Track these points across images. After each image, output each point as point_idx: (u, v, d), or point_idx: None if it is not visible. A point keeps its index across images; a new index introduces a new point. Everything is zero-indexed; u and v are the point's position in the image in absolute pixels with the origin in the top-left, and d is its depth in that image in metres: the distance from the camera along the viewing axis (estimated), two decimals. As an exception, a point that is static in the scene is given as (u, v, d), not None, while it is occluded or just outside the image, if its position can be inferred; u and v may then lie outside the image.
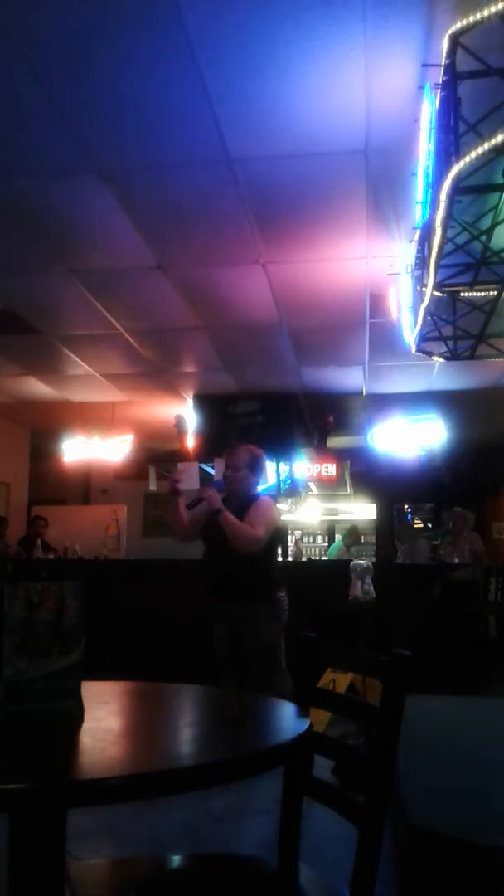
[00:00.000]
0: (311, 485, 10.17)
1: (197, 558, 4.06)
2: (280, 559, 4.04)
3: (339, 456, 9.44)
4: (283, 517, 9.15)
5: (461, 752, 2.84)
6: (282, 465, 8.49)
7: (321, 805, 1.57)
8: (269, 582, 3.77)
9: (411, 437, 8.14)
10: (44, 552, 7.87)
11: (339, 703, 1.98)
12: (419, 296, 4.41)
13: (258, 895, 1.53)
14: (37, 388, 8.11)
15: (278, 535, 3.91)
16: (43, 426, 9.64)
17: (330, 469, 9.24)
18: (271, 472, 7.83)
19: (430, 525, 11.48)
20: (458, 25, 2.76)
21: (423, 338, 4.93)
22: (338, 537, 11.03)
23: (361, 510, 12.46)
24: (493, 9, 2.63)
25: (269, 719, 1.60)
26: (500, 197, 3.53)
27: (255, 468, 3.87)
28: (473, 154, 2.86)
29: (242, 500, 3.81)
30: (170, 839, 3.02)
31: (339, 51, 3.02)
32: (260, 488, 3.96)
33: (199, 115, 3.41)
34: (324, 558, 11.61)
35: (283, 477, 8.58)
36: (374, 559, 8.03)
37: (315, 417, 8.53)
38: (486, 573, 6.73)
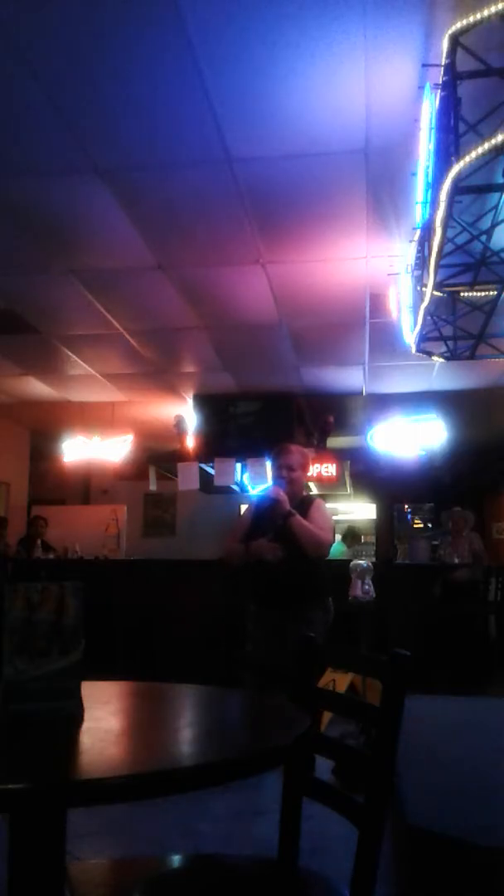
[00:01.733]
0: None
1: (197, 558, 4.05)
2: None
3: (339, 456, 9.43)
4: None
5: (461, 752, 2.84)
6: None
7: (321, 805, 1.57)
8: (325, 587, 3.72)
9: (411, 437, 8.13)
10: (44, 552, 7.87)
11: (339, 703, 1.99)
12: (419, 296, 4.41)
13: (258, 895, 1.53)
14: (37, 388, 8.10)
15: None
16: (43, 426, 9.64)
17: (330, 469, 9.24)
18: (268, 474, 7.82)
19: (429, 525, 11.48)
20: (458, 25, 2.76)
21: (423, 338, 4.93)
22: (337, 537, 11.02)
23: (361, 510, 12.47)
24: (493, 9, 2.63)
25: (269, 719, 1.60)
26: (500, 197, 3.53)
27: (307, 468, 3.85)
28: (473, 154, 2.86)
29: (296, 502, 3.74)
30: (170, 839, 3.02)
31: (339, 51, 3.02)
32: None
33: (199, 115, 3.41)
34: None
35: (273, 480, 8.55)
36: (374, 559, 8.03)
37: (315, 417, 8.53)
38: (486, 573, 6.73)
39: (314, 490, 10.82)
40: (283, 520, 3.60)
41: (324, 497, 11.61)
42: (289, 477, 3.77)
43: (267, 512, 3.73)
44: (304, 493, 3.83)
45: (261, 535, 3.71)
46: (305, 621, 3.60)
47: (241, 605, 3.93)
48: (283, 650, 3.61)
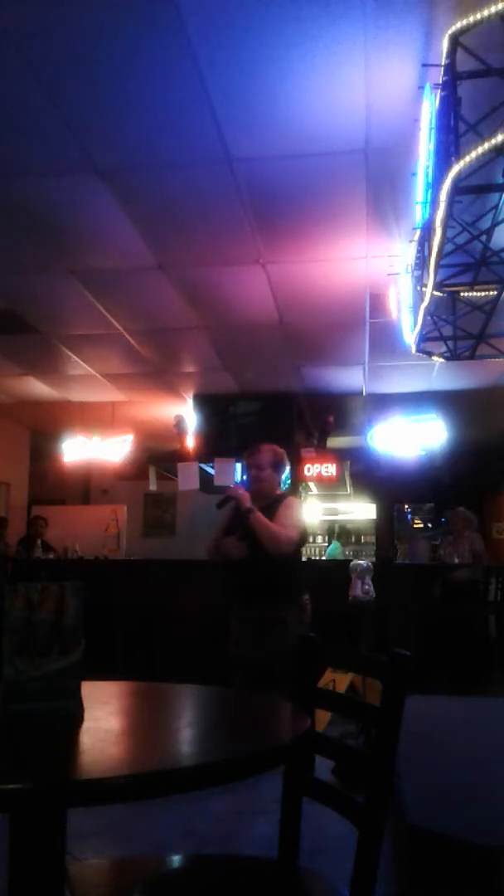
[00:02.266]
0: (311, 485, 10.17)
1: (197, 558, 4.05)
2: (301, 563, 3.97)
3: (339, 456, 9.42)
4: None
5: (461, 752, 2.84)
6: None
7: (321, 805, 1.57)
8: (296, 585, 3.72)
9: (411, 437, 8.13)
10: (44, 552, 7.87)
11: (339, 703, 1.99)
12: (419, 296, 4.41)
13: (258, 895, 1.53)
14: (37, 388, 8.10)
15: (304, 538, 3.85)
16: (43, 426, 9.64)
17: (330, 469, 9.23)
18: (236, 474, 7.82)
19: (429, 525, 11.49)
20: (458, 25, 2.76)
21: (423, 338, 4.93)
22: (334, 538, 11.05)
23: (361, 510, 12.47)
24: (493, 9, 2.63)
25: (269, 719, 1.60)
26: (500, 197, 3.53)
27: (279, 467, 3.83)
28: (473, 154, 2.86)
29: (267, 501, 3.75)
30: (170, 839, 3.02)
31: (339, 51, 3.02)
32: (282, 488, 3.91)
33: (199, 115, 3.41)
34: (323, 558, 11.61)
35: (244, 478, 8.56)
36: (374, 559, 8.03)
37: (315, 417, 8.53)
38: (486, 573, 6.73)
39: (314, 490, 10.82)
40: (244, 517, 3.62)
41: (324, 497, 11.65)
42: (256, 476, 3.80)
43: (235, 510, 3.77)
44: (279, 492, 3.80)
45: (233, 533, 3.74)
46: (278, 620, 3.62)
47: (226, 605, 3.95)
48: (261, 649, 3.63)
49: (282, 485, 3.86)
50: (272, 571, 3.64)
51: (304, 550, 3.96)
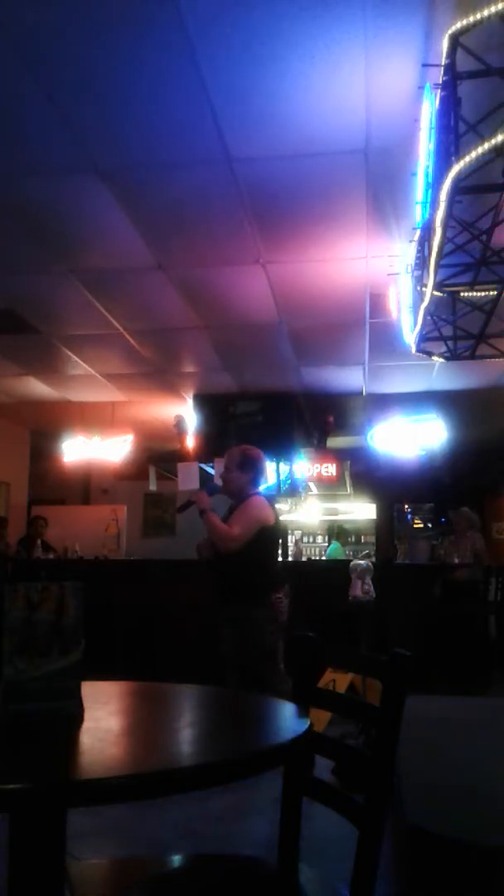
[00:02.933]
0: (311, 485, 10.16)
1: (195, 559, 4.07)
2: (279, 560, 4.00)
3: (339, 456, 9.43)
4: (283, 517, 9.13)
5: (461, 752, 2.84)
6: (282, 465, 8.49)
7: (321, 805, 1.57)
8: (264, 584, 3.74)
9: (411, 437, 8.13)
10: (44, 552, 7.87)
11: (339, 703, 1.98)
12: (419, 296, 4.41)
13: (258, 895, 1.53)
14: (37, 388, 8.10)
15: (271, 536, 3.84)
16: (43, 426, 9.64)
17: (330, 469, 9.24)
18: (271, 472, 7.83)
19: (429, 525, 11.48)
20: (458, 25, 2.76)
21: (423, 338, 4.93)
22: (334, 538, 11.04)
23: (361, 510, 12.46)
24: (493, 9, 2.63)
25: (269, 719, 1.60)
26: (500, 197, 3.53)
27: (247, 468, 3.85)
28: (473, 154, 2.86)
29: (236, 501, 3.84)
30: (170, 839, 3.02)
31: (339, 51, 3.02)
32: (259, 488, 3.94)
33: (199, 115, 3.41)
34: (323, 558, 11.61)
35: (283, 477, 8.58)
36: (374, 559, 8.03)
37: (315, 417, 8.53)
38: (486, 573, 6.73)
39: (314, 490, 10.82)
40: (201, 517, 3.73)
41: (324, 497, 11.63)
42: (224, 477, 3.92)
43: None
44: (249, 492, 3.84)
45: None
46: (251, 619, 3.67)
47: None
48: (242, 649, 3.70)
49: (253, 484, 3.86)
50: (235, 570, 3.70)
51: (273, 550, 3.97)
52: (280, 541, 3.99)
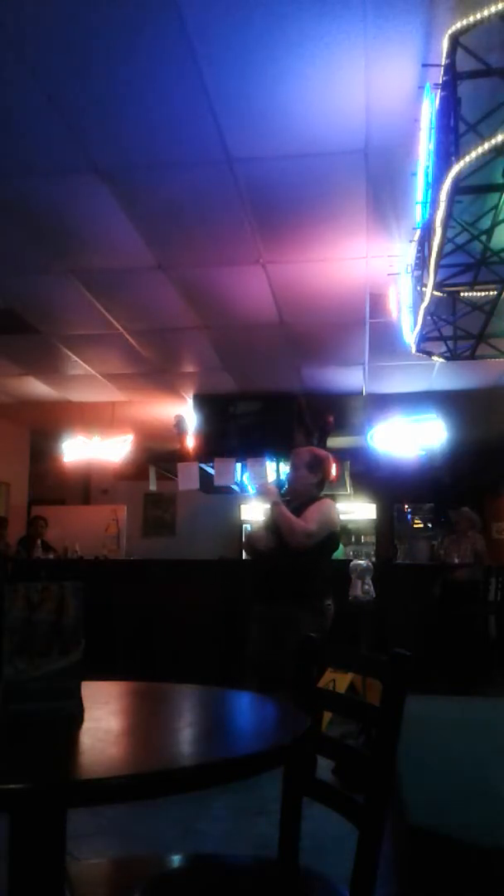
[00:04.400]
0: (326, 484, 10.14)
1: (196, 558, 4.07)
2: (330, 567, 3.96)
3: (339, 456, 9.42)
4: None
5: (461, 752, 2.84)
6: (282, 464, 8.49)
7: (321, 805, 1.57)
8: (317, 587, 3.70)
9: (411, 437, 8.13)
10: (44, 552, 7.87)
11: (339, 703, 1.99)
12: (419, 296, 4.41)
13: (258, 895, 1.53)
14: (37, 388, 8.10)
15: (333, 542, 3.83)
16: (43, 426, 9.63)
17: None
18: (271, 473, 7.83)
19: (429, 525, 11.48)
20: (458, 25, 2.76)
21: (423, 338, 4.93)
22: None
23: (361, 510, 12.46)
24: (493, 9, 2.63)
25: (269, 719, 1.60)
26: (500, 197, 3.53)
27: (315, 468, 3.84)
28: (473, 154, 2.86)
29: (302, 500, 3.79)
30: (170, 839, 3.02)
31: (339, 51, 3.02)
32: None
33: (199, 115, 3.41)
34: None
35: (283, 477, 8.58)
36: (374, 559, 8.03)
37: (315, 417, 8.53)
38: (486, 573, 6.73)
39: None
40: (270, 510, 3.73)
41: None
42: (292, 476, 3.92)
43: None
44: (316, 494, 3.83)
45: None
46: (294, 621, 3.58)
47: (246, 606, 3.94)
48: (278, 649, 3.60)
49: (321, 486, 3.86)
50: (293, 567, 3.65)
51: (330, 556, 3.92)
52: (334, 549, 3.95)
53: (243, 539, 3.91)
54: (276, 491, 3.80)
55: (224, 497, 9.63)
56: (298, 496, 3.84)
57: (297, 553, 3.61)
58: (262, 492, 3.85)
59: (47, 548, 8.00)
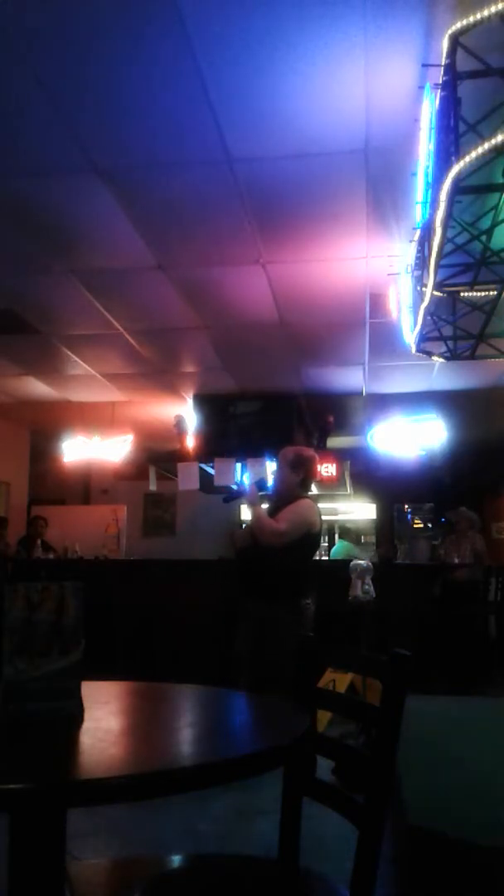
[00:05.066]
0: (312, 485, 10.14)
1: (197, 558, 4.07)
2: (310, 566, 3.97)
3: (339, 456, 9.43)
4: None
5: (461, 752, 2.84)
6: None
7: (321, 805, 1.57)
8: (296, 587, 3.72)
9: (411, 437, 8.13)
10: (44, 552, 7.87)
11: (339, 703, 1.99)
12: (419, 296, 4.41)
13: (258, 895, 1.53)
14: (37, 388, 8.10)
15: (312, 541, 3.84)
16: (43, 426, 9.64)
17: (330, 469, 9.23)
18: (271, 473, 7.82)
19: (429, 525, 11.48)
20: (458, 25, 2.76)
21: (423, 338, 4.93)
22: (337, 538, 11.02)
23: (361, 510, 12.46)
24: (493, 9, 2.63)
25: (269, 719, 1.60)
26: (500, 197, 3.53)
27: (298, 468, 3.84)
28: (473, 154, 2.86)
29: (284, 500, 3.81)
30: (170, 839, 3.02)
31: (339, 51, 3.02)
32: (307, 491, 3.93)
33: (199, 115, 3.41)
34: (324, 558, 11.60)
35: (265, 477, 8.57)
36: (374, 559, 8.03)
37: (315, 417, 8.53)
38: (486, 573, 6.73)
39: (314, 490, 10.81)
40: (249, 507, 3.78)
41: (324, 497, 11.62)
42: (274, 475, 3.97)
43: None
44: (298, 494, 3.83)
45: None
46: (276, 619, 3.63)
47: (232, 605, 3.97)
48: (261, 648, 3.66)
49: (305, 486, 3.86)
50: (270, 567, 3.68)
51: (310, 555, 3.93)
52: (313, 549, 3.96)
53: (230, 536, 3.94)
54: (255, 490, 3.79)
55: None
56: (281, 496, 3.86)
57: (272, 552, 3.63)
58: (242, 493, 3.84)
59: (47, 548, 8.00)
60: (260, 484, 3.96)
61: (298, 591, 3.71)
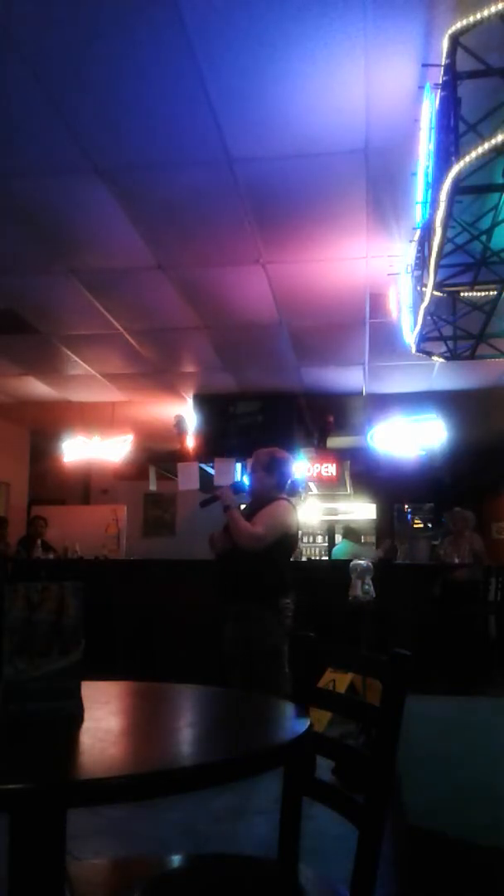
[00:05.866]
0: (311, 485, 10.16)
1: (196, 558, 4.07)
2: (288, 566, 3.98)
3: (339, 456, 9.43)
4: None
5: (461, 752, 2.84)
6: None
7: (321, 805, 1.57)
8: (275, 587, 3.74)
9: (411, 437, 8.14)
10: (44, 552, 7.87)
11: (339, 703, 1.99)
12: (419, 296, 4.41)
13: (258, 895, 1.53)
14: (37, 388, 8.10)
15: (289, 542, 3.85)
16: (43, 426, 9.64)
17: (330, 469, 9.23)
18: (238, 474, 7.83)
19: (429, 525, 11.48)
20: (458, 25, 2.76)
21: (423, 338, 4.93)
22: (338, 537, 11.02)
23: (361, 510, 12.46)
24: (493, 9, 2.63)
25: (269, 719, 1.60)
26: (500, 197, 3.53)
27: (272, 469, 3.84)
28: (473, 154, 2.86)
29: (260, 502, 3.82)
30: (170, 839, 3.02)
31: (339, 51, 3.02)
32: (284, 492, 3.92)
33: (199, 115, 3.41)
34: (324, 558, 11.60)
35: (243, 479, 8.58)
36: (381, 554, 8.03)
37: (315, 417, 8.53)
38: (486, 573, 6.73)
39: (314, 490, 10.81)
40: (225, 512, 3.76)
41: (324, 497, 11.63)
42: (250, 477, 3.95)
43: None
44: (274, 495, 3.83)
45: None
46: (257, 619, 3.67)
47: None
48: (245, 649, 3.69)
49: (280, 487, 3.85)
50: (249, 568, 3.69)
51: (288, 555, 3.94)
52: (292, 549, 3.96)
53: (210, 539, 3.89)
54: (232, 494, 3.78)
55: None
56: (257, 497, 3.86)
57: (251, 555, 3.64)
58: (218, 495, 3.80)
59: (47, 548, 8.00)
60: (236, 486, 3.97)
61: (278, 591, 3.73)
